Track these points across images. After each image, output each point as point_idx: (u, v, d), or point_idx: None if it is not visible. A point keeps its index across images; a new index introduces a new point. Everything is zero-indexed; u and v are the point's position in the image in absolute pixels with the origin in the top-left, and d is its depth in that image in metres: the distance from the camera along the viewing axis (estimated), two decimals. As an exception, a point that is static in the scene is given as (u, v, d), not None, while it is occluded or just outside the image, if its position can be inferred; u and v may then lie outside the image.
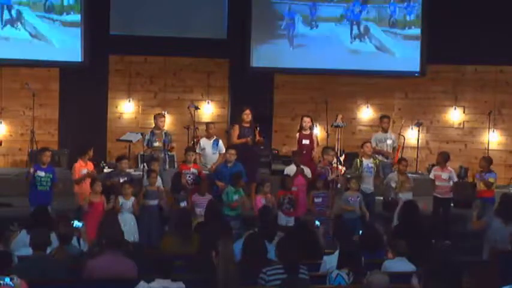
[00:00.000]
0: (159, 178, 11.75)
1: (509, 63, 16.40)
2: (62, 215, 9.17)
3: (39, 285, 7.10)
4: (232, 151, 12.30)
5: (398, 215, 10.99)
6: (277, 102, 16.73)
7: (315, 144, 13.46)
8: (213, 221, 9.75)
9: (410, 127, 16.48)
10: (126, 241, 9.54)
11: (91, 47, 15.58)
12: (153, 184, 11.51)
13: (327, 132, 14.82)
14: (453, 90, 16.87)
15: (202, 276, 7.49)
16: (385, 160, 13.43)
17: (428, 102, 16.91)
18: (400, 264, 8.20)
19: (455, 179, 12.55)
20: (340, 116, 14.30)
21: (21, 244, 8.52)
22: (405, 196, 11.86)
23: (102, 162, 14.21)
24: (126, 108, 16.39)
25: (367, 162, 12.50)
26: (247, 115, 13.09)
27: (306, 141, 13.26)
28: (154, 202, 11.46)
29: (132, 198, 11.14)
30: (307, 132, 13.38)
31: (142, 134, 13.64)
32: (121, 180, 11.55)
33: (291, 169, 12.40)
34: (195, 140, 13.97)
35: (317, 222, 10.59)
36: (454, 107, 16.86)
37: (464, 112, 16.84)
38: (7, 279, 6.58)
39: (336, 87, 16.78)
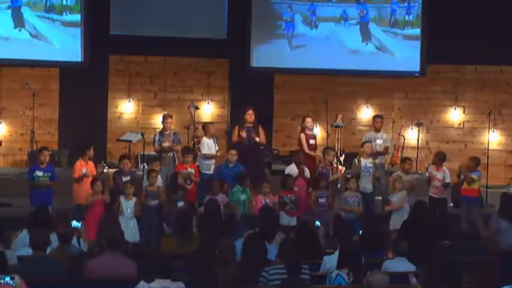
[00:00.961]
0: (160, 178, 11.75)
1: (509, 63, 16.41)
2: (62, 215, 9.17)
3: (39, 285, 7.10)
4: (233, 151, 12.30)
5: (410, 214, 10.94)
6: (277, 102, 16.72)
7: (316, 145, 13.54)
8: (213, 220, 9.75)
9: (410, 127, 16.47)
10: (126, 241, 9.56)
11: (91, 47, 15.58)
12: (153, 184, 11.50)
13: (327, 132, 14.82)
14: (453, 90, 16.87)
15: (202, 276, 7.50)
16: (380, 161, 13.42)
17: (428, 102, 16.90)
18: (400, 264, 8.20)
19: (448, 180, 12.42)
20: (340, 116, 14.29)
21: (22, 244, 8.52)
22: (395, 197, 11.77)
23: (102, 162, 14.18)
24: (126, 108, 16.39)
25: (366, 162, 12.48)
26: (250, 115, 13.06)
27: (312, 141, 13.24)
28: (155, 202, 11.45)
29: (134, 199, 11.14)
30: (310, 132, 13.38)
31: (142, 134, 13.66)
32: (123, 180, 11.57)
33: (291, 169, 12.40)
34: (195, 140, 13.97)
35: (317, 223, 10.58)
36: (454, 107, 16.86)
37: (464, 112, 16.84)
38: (7, 278, 6.58)
39: (336, 87, 16.77)
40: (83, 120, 15.55)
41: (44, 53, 15.56)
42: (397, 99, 17.01)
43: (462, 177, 12.49)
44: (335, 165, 12.71)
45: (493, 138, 16.12)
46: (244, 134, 12.90)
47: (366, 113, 16.93)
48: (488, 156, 14.34)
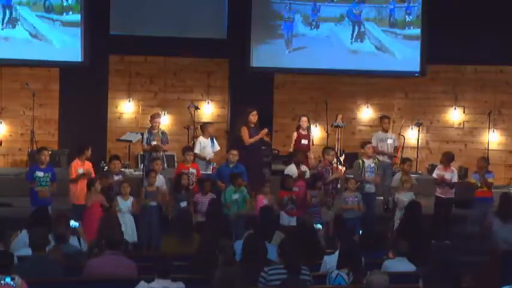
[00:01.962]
0: (160, 178, 11.74)
1: (509, 63, 16.40)
2: (61, 215, 9.17)
3: (39, 285, 7.10)
4: (235, 152, 12.30)
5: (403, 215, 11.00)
6: (277, 102, 16.72)
7: (311, 144, 13.52)
8: (214, 220, 9.75)
9: (410, 127, 16.48)
10: (126, 241, 9.57)
11: (91, 47, 15.57)
12: (152, 184, 11.50)
13: (327, 132, 14.83)
14: (453, 90, 16.87)
15: (202, 276, 7.50)
16: (387, 160, 13.45)
17: (428, 102, 16.90)
18: (400, 264, 8.21)
19: (456, 179, 12.59)
20: (340, 116, 14.32)
21: (21, 244, 8.52)
22: (405, 196, 11.85)
23: (102, 162, 14.20)
24: (126, 108, 16.39)
25: (369, 162, 12.55)
26: (254, 116, 13.09)
27: (305, 141, 13.32)
28: (154, 202, 11.45)
29: (131, 198, 11.14)
30: (305, 132, 13.41)
31: (142, 134, 13.66)
32: (115, 178, 11.55)
33: (290, 169, 12.40)
34: (194, 140, 13.97)
35: (319, 226, 10.59)
36: (454, 107, 16.86)
37: (464, 112, 16.84)
38: (8, 279, 6.58)
39: (336, 87, 16.78)
40: (83, 120, 15.54)
41: (44, 53, 15.56)
42: (397, 99, 17.02)
43: (477, 181, 12.50)
44: (335, 165, 12.72)
45: (493, 138, 16.13)
46: (267, 137, 12.96)
47: (366, 113, 16.93)
48: (488, 156, 14.33)
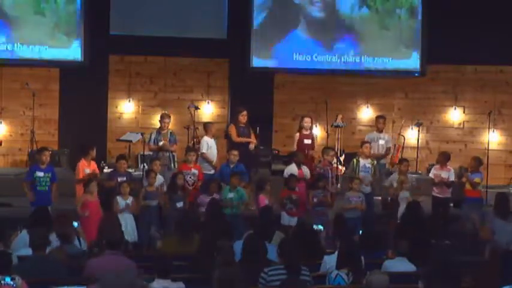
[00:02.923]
0: (160, 178, 11.74)
1: (509, 63, 16.40)
2: (62, 215, 9.17)
3: (39, 285, 7.10)
4: (235, 152, 12.32)
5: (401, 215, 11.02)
6: (277, 102, 16.72)
7: (315, 144, 13.54)
8: (214, 220, 9.75)
9: (410, 127, 16.47)
10: (126, 241, 9.57)
11: (91, 47, 15.57)
12: (151, 184, 11.50)
13: (327, 132, 14.82)
14: (453, 90, 16.87)
15: (202, 276, 7.50)
16: (382, 161, 13.47)
17: (428, 102, 16.90)
18: (400, 264, 8.21)
19: (453, 179, 12.61)
20: (340, 116, 14.31)
21: (22, 244, 8.53)
22: (403, 196, 11.89)
23: (102, 162, 14.20)
24: (126, 108, 16.39)
25: (365, 162, 12.56)
26: (243, 116, 13.13)
27: (307, 141, 13.30)
28: (154, 202, 11.45)
29: (131, 198, 11.14)
30: (308, 132, 13.40)
31: (142, 134, 13.66)
32: (119, 180, 11.56)
33: (291, 169, 12.40)
34: (195, 140, 13.97)
35: (320, 227, 10.58)
36: (454, 107, 16.86)
37: (464, 112, 16.84)
38: (8, 279, 6.58)
39: (336, 87, 16.78)
40: (83, 120, 15.54)
41: (44, 53, 15.57)
42: (397, 99, 17.02)
43: (463, 179, 12.56)
44: (334, 165, 12.72)
45: (493, 138, 16.11)
46: (254, 143, 13.09)
47: (366, 113, 16.93)
48: (488, 156, 14.34)
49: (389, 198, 12.59)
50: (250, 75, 16.21)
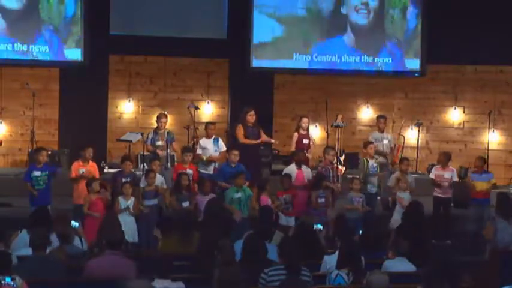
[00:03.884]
0: (159, 177, 11.74)
1: (509, 63, 16.40)
2: (62, 215, 9.18)
3: (39, 285, 7.09)
4: (236, 152, 12.29)
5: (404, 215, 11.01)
6: (277, 102, 16.72)
7: (312, 144, 13.54)
8: (213, 220, 9.75)
9: (410, 127, 16.48)
10: (126, 241, 9.56)
11: (91, 47, 15.56)
12: (151, 184, 11.50)
13: (327, 132, 14.82)
14: (453, 90, 16.87)
15: (202, 276, 7.50)
16: (382, 160, 13.48)
17: (428, 102, 16.90)
18: (400, 264, 8.21)
19: (456, 178, 12.69)
20: (340, 116, 14.31)
21: (22, 244, 8.53)
22: (403, 195, 11.88)
23: (102, 162, 14.20)
24: (126, 108, 16.39)
25: (371, 162, 12.63)
26: (251, 116, 13.11)
27: (306, 141, 13.34)
28: (153, 202, 11.45)
29: (132, 199, 11.15)
30: (305, 132, 13.44)
31: (142, 134, 13.65)
32: (123, 181, 11.57)
33: (291, 169, 12.41)
34: (195, 140, 13.97)
35: (319, 226, 10.58)
36: (454, 107, 16.86)
37: (464, 112, 16.84)
38: (8, 279, 6.58)
39: (336, 87, 16.78)
40: (83, 120, 15.54)
41: (44, 53, 15.57)
42: (397, 99, 17.02)
43: (475, 181, 12.58)
44: (335, 165, 12.72)
45: (493, 138, 16.12)
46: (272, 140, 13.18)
47: (366, 113, 16.93)
48: (488, 156, 14.35)
49: (389, 198, 12.62)
50: (250, 75, 16.21)
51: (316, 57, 16.30)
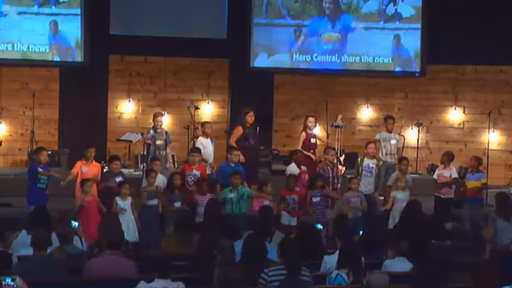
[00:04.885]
0: (160, 177, 11.73)
1: (509, 63, 16.40)
2: (62, 215, 9.17)
3: (39, 285, 7.10)
4: (236, 152, 12.29)
5: (401, 214, 11.02)
6: (277, 102, 16.72)
7: (323, 142, 13.76)
8: (213, 220, 9.75)
9: (410, 127, 16.48)
10: (126, 241, 9.56)
11: (91, 47, 15.57)
12: (151, 184, 11.50)
13: (327, 132, 14.82)
14: (453, 90, 16.87)
15: (202, 276, 7.50)
16: (389, 160, 13.48)
17: (428, 102, 16.90)
18: (400, 264, 8.21)
19: (456, 175, 12.72)
20: (340, 116, 14.32)
21: (22, 244, 8.52)
22: (401, 195, 11.87)
23: (102, 162, 14.19)
24: (126, 108, 16.39)
25: (369, 162, 12.54)
26: (251, 117, 13.12)
27: (313, 140, 13.42)
28: (154, 202, 11.45)
29: (130, 199, 11.15)
30: (311, 131, 13.48)
31: (142, 134, 13.65)
32: (117, 180, 11.56)
33: (291, 168, 12.40)
34: (194, 140, 13.96)
35: (320, 226, 10.58)
36: (454, 107, 16.87)
37: (464, 112, 16.84)
38: (8, 280, 6.58)
39: (336, 87, 16.77)
40: (83, 120, 15.55)
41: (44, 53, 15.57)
42: (397, 99, 17.01)
43: (467, 181, 12.62)
44: (335, 165, 12.72)
45: (493, 138, 16.11)
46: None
47: (365, 113, 16.93)
48: (488, 156, 14.34)
49: (382, 198, 12.62)
50: (250, 75, 16.21)
51: (316, 57, 16.37)
